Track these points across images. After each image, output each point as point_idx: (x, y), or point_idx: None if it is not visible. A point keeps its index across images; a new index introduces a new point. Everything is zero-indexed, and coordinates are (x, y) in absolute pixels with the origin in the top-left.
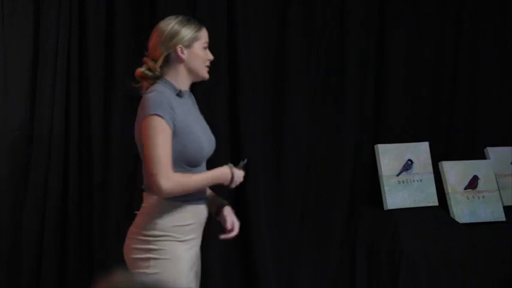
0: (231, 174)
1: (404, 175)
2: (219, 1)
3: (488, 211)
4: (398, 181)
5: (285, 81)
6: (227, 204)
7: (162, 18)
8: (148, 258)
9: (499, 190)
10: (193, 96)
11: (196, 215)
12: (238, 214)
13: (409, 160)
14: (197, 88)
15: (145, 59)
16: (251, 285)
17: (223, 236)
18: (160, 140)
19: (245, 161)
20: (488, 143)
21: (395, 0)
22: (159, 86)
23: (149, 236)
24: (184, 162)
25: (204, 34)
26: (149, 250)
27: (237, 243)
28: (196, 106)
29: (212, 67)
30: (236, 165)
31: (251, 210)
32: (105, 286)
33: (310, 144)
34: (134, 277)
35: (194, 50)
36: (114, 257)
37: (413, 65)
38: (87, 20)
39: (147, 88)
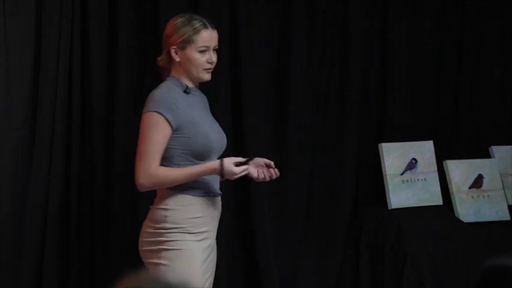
0: (219, 167)
1: (408, 174)
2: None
3: (493, 210)
4: (403, 180)
5: (287, 80)
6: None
7: (164, 16)
8: (160, 250)
9: (503, 189)
10: (204, 96)
11: (207, 208)
12: (240, 214)
13: (413, 159)
14: (199, 88)
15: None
16: (254, 285)
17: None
18: (153, 136)
19: (249, 159)
20: (493, 141)
21: None
22: (166, 83)
23: (160, 228)
24: (190, 155)
25: (202, 37)
26: (160, 242)
27: (240, 243)
28: (207, 106)
29: (215, 67)
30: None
31: (254, 210)
32: (127, 285)
33: (313, 143)
34: (158, 277)
35: (187, 52)
36: (116, 256)
37: (417, 63)
38: (89, 17)
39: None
